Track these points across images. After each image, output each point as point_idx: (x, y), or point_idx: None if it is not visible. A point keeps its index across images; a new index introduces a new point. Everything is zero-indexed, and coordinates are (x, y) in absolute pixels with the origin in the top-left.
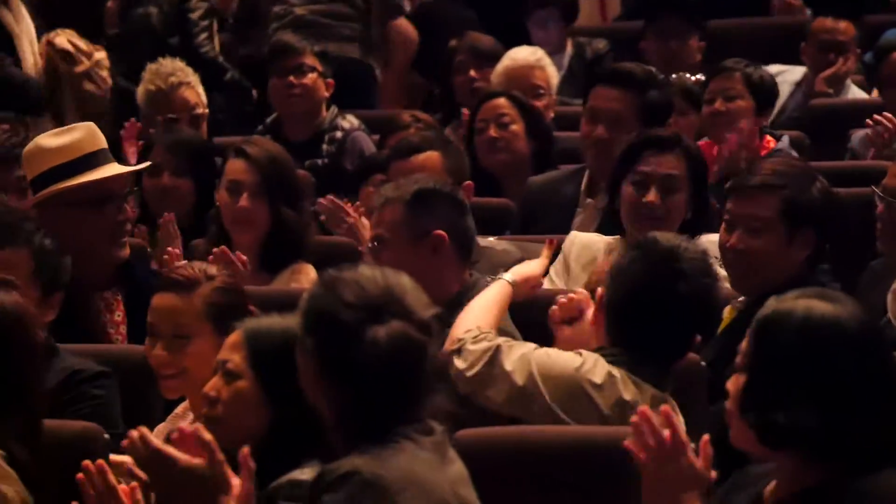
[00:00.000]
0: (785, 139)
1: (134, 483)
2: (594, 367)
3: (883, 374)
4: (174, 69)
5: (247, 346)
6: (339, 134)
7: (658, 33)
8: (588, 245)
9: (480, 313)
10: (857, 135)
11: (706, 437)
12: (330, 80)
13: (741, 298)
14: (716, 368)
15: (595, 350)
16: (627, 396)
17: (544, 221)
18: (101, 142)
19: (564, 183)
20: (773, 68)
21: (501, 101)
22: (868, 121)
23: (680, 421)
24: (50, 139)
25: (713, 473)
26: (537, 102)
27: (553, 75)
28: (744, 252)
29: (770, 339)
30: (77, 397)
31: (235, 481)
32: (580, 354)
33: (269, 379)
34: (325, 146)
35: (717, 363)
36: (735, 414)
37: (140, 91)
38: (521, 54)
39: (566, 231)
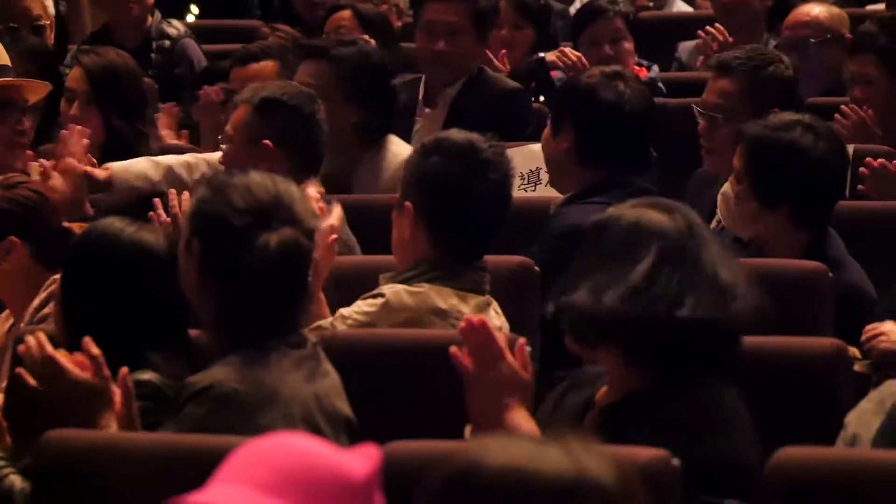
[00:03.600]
0: (655, 69)
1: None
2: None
3: (699, 273)
4: None
5: None
6: (167, 42)
7: None
8: None
9: None
10: (685, 46)
11: (522, 339)
12: None
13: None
14: (548, 272)
15: (411, 268)
16: (444, 305)
17: None
18: (3, 57)
19: (401, 91)
20: None
21: (344, 13)
22: (699, 32)
23: (503, 324)
24: None
25: (529, 375)
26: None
27: None
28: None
29: (590, 242)
30: None
31: (118, 397)
32: (379, 295)
33: None
34: (153, 55)
35: (549, 266)
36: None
37: None
38: None
39: (406, 138)
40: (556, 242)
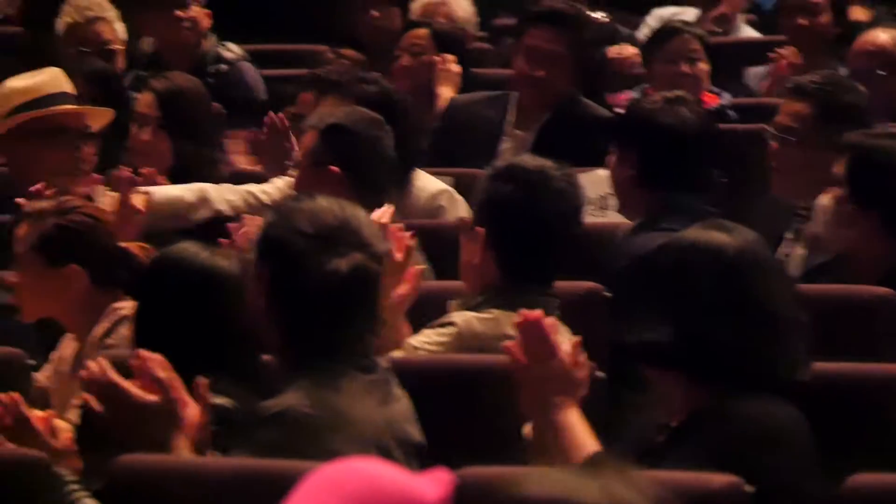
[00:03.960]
0: (727, 95)
1: (50, 411)
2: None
3: (751, 300)
4: (91, 3)
5: None
6: (223, 66)
7: None
8: None
9: None
10: (753, 71)
11: (576, 338)
12: (208, 11)
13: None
14: (617, 299)
15: (480, 294)
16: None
17: (467, 144)
18: (64, 85)
19: (487, 106)
20: (667, 11)
21: (420, 31)
22: (771, 54)
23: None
24: (17, 81)
25: (584, 374)
26: None
27: (462, 8)
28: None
29: (649, 264)
30: None
31: (190, 411)
32: (450, 324)
33: None
34: (209, 79)
35: (618, 294)
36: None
37: (58, 23)
38: None
39: (489, 155)
40: (624, 271)
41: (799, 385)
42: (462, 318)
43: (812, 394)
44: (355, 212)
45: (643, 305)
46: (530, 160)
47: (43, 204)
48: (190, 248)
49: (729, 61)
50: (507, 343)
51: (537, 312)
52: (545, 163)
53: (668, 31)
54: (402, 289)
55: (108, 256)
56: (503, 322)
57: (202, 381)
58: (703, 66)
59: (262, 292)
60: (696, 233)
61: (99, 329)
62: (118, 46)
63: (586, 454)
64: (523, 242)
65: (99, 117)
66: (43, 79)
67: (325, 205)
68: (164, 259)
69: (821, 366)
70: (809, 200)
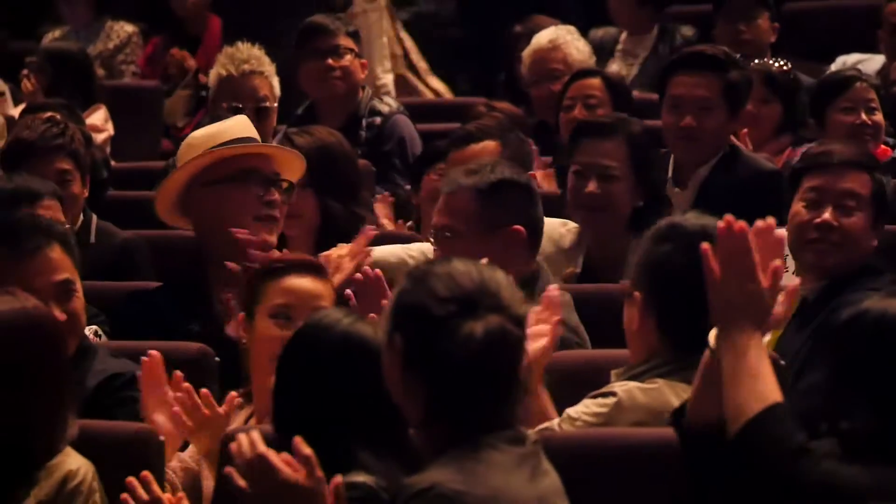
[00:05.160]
0: None
1: (181, 493)
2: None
3: None
4: (249, 56)
5: None
6: (377, 119)
7: (726, 14)
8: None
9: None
10: None
11: (777, 262)
12: (363, 61)
13: (809, 286)
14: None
15: (642, 362)
16: (677, 402)
17: None
18: (250, 130)
19: None
20: (852, 57)
21: (594, 81)
22: None
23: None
24: (201, 130)
25: (780, 310)
26: (555, 85)
27: (575, 52)
28: (839, 230)
29: (841, 341)
30: (118, 401)
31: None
32: (611, 394)
33: None
34: (362, 133)
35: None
36: None
37: (212, 74)
38: (539, 39)
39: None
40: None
41: None
42: (623, 388)
43: None
44: (494, 273)
45: (837, 386)
46: (692, 219)
47: None
48: (332, 315)
49: None
50: (705, 245)
51: (742, 224)
52: (708, 221)
53: (843, 79)
54: (541, 343)
55: None
56: (666, 393)
57: (337, 480)
58: (880, 117)
59: (397, 364)
60: (886, 304)
61: None
62: (272, 104)
63: (762, 388)
64: (685, 307)
65: (290, 167)
66: (230, 124)
67: (462, 267)
68: (305, 325)
69: None
70: None
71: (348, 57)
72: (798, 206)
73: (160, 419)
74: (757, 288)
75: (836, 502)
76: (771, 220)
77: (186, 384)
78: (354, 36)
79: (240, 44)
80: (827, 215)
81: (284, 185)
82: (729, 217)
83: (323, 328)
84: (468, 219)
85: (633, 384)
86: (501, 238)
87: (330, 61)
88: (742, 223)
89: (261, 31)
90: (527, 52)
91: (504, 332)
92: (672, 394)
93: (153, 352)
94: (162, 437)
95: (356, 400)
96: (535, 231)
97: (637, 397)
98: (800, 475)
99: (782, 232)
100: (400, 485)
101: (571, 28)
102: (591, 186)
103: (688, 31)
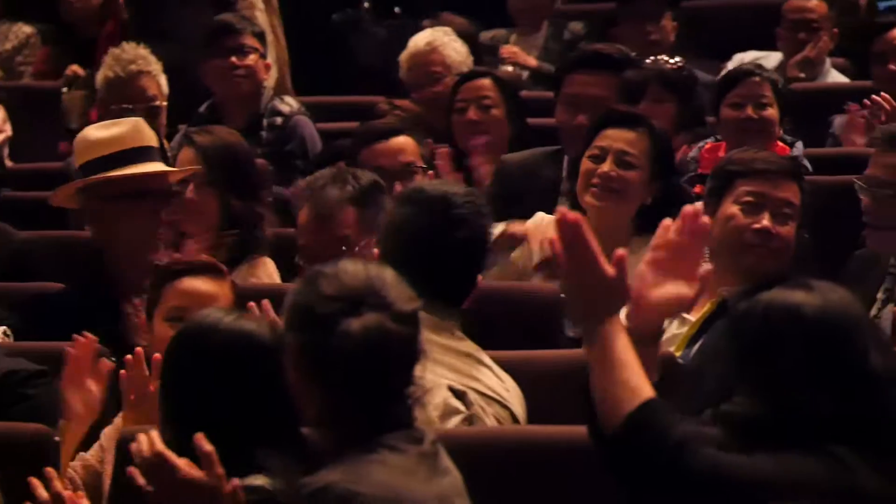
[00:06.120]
0: (799, 145)
1: (81, 492)
2: None
3: (842, 362)
4: (136, 56)
5: None
6: (279, 119)
7: (632, 14)
8: (546, 226)
9: None
10: (840, 120)
11: (621, 251)
12: (268, 62)
13: (725, 288)
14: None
15: None
16: None
17: (524, 204)
18: (148, 138)
19: (543, 165)
20: (749, 55)
21: (485, 81)
22: (852, 105)
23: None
24: (97, 130)
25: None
26: (436, 87)
27: (453, 53)
28: (776, 237)
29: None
30: (13, 398)
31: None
32: None
33: None
34: (264, 133)
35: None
36: None
37: (98, 76)
38: (416, 42)
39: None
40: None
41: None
42: None
43: None
44: (381, 272)
45: (723, 376)
46: (437, 184)
47: None
48: (214, 314)
49: (814, 109)
50: (551, 238)
51: (576, 215)
52: (449, 187)
53: (738, 74)
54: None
55: None
56: None
57: (234, 482)
58: (772, 112)
59: (292, 364)
60: (775, 294)
61: None
62: (162, 103)
63: (628, 376)
64: (425, 265)
65: (176, 175)
66: (125, 130)
67: (351, 268)
68: (187, 326)
69: None
70: None
71: (253, 56)
72: (733, 209)
73: (75, 401)
74: (602, 277)
75: (721, 489)
76: (699, 206)
77: (138, 351)
78: (260, 36)
79: (125, 44)
80: (766, 222)
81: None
82: (562, 209)
83: (206, 325)
84: (351, 230)
85: None
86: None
87: (234, 60)
88: (576, 214)
89: (152, 24)
90: (404, 57)
91: (383, 330)
92: None
93: (86, 334)
94: (58, 438)
95: (247, 398)
96: None
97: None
98: (683, 467)
99: (707, 218)
100: (298, 484)
101: (448, 29)
102: (607, 167)
103: (577, 26)
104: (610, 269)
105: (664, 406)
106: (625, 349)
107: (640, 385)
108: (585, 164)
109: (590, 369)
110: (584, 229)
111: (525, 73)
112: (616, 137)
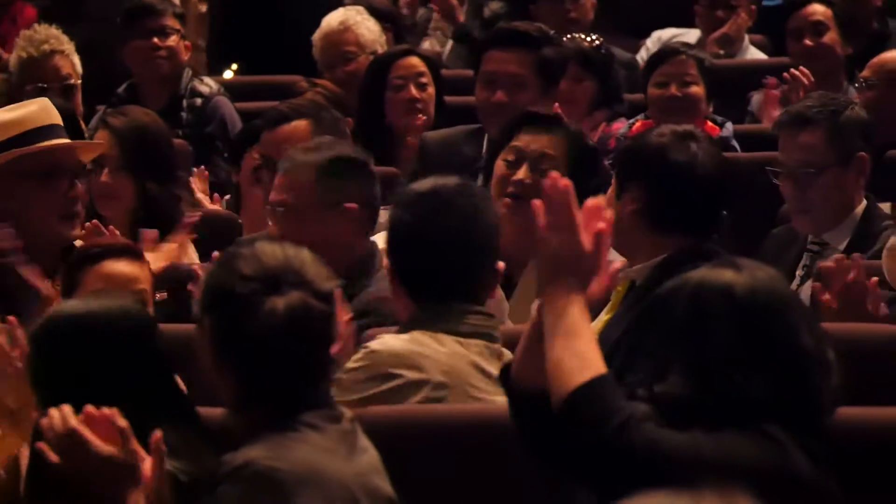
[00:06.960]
0: (729, 125)
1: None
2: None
3: (770, 341)
4: (48, 36)
5: None
6: (198, 101)
7: None
8: None
9: None
10: (758, 97)
11: (602, 225)
12: (187, 44)
13: (636, 267)
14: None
15: (401, 323)
16: (435, 344)
17: None
18: (54, 117)
19: (463, 142)
20: (667, 32)
21: (416, 59)
22: (771, 79)
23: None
24: (4, 113)
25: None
26: (349, 67)
27: (366, 32)
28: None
29: (661, 315)
30: None
31: (146, 469)
32: (364, 348)
33: None
34: (184, 114)
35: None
36: None
37: (12, 58)
38: (329, 21)
39: None
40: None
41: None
42: (377, 340)
43: (839, 440)
44: (299, 252)
45: (655, 355)
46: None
47: None
48: (76, 302)
49: (732, 86)
50: (535, 201)
51: (566, 181)
52: (443, 181)
53: (663, 53)
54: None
55: None
56: (422, 338)
57: (157, 435)
58: (697, 90)
59: (207, 346)
60: (705, 273)
61: None
62: (77, 81)
63: (584, 348)
64: (420, 262)
65: (88, 151)
66: (31, 110)
67: (267, 248)
68: (53, 314)
69: (850, 410)
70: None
71: (174, 37)
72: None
73: None
74: (579, 249)
75: (659, 466)
76: (601, 199)
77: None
78: (181, 17)
79: (37, 25)
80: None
81: (89, 168)
82: (554, 173)
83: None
84: (305, 194)
85: (388, 336)
86: (338, 215)
87: (156, 41)
88: (567, 180)
89: (68, 3)
90: (317, 36)
91: (307, 307)
92: (431, 339)
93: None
94: None
95: (128, 375)
96: (372, 210)
97: (390, 343)
98: (625, 442)
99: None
100: (205, 467)
101: (360, 8)
102: (522, 174)
103: (496, 5)
104: (588, 244)
105: (612, 384)
106: (584, 321)
107: (594, 358)
108: (500, 167)
109: (543, 339)
110: (571, 197)
111: (448, 44)
112: (532, 140)
